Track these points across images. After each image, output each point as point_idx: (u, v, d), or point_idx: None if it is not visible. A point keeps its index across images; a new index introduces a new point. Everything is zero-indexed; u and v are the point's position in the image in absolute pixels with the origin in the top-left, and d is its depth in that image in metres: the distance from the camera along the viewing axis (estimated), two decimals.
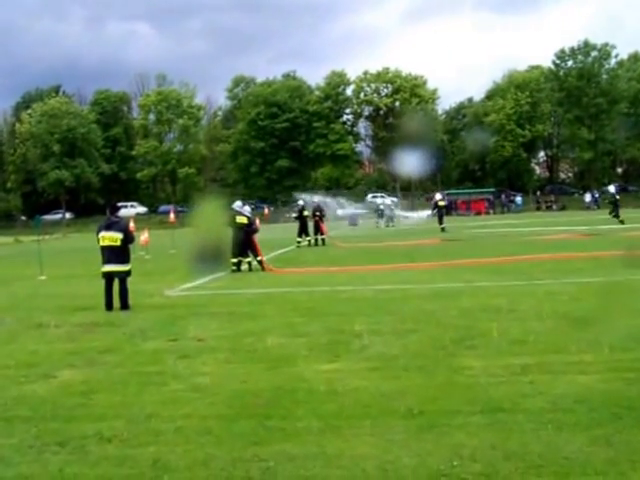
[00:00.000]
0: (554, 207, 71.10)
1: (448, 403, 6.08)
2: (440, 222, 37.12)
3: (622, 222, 34.27)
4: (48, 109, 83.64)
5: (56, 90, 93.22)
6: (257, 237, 20.27)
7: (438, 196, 39.70)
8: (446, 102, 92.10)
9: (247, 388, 6.90)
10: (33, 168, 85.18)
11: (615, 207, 36.59)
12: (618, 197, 37.78)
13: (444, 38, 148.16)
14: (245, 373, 7.51)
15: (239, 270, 19.36)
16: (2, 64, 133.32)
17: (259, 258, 19.75)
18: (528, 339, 8.47)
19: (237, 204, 20.46)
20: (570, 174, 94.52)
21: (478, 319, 9.98)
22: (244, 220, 19.71)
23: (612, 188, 38.95)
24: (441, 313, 10.70)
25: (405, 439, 5.29)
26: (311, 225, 30.21)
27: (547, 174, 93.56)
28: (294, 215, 31.00)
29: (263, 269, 19.42)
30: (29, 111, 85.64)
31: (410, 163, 54.00)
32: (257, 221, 20.90)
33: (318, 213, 30.35)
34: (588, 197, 69.18)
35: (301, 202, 31.25)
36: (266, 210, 60.75)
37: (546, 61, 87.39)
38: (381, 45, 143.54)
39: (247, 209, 20.84)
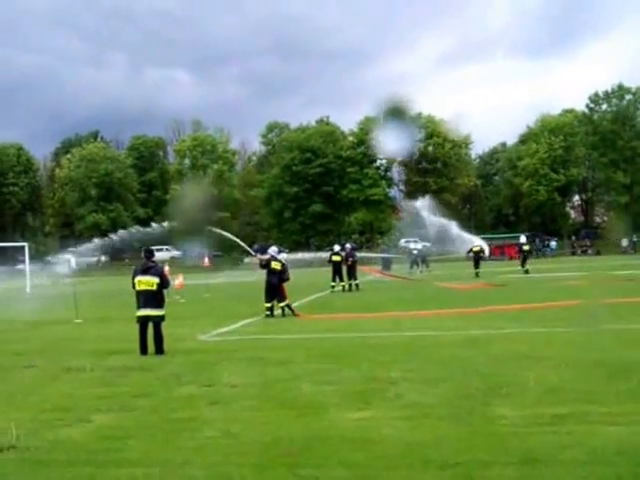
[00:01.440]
0: (589, 252, 70.32)
1: (484, 454, 5.99)
2: (476, 267, 36.88)
3: (527, 272, 35.67)
4: (86, 154, 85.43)
5: (94, 136, 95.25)
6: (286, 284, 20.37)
7: (477, 241, 39.46)
8: (479, 147, 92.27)
9: (279, 436, 6.87)
10: (71, 212, 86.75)
11: (524, 257, 37.59)
12: (527, 247, 38.63)
13: (477, 84, 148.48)
14: (277, 420, 7.49)
15: (272, 315, 19.42)
16: (44, 111, 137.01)
17: (286, 302, 19.80)
18: (564, 388, 8.36)
19: (273, 249, 20.69)
20: (605, 218, 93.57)
21: (513, 367, 9.87)
22: (278, 266, 19.87)
23: (522, 238, 39.48)
24: (475, 361, 10.60)
25: None
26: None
27: (582, 218, 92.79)
28: (328, 260, 31.07)
29: (294, 314, 19.46)
30: (68, 156, 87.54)
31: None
32: (288, 270, 20.92)
33: (351, 258, 30.35)
34: (624, 241, 68.35)
35: (337, 247, 31.27)
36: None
37: (580, 105, 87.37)
38: (414, 91, 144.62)
39: (283, 256, 21.06)
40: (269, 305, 19.55)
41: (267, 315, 19.34)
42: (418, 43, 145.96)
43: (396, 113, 68.89)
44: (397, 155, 78.78)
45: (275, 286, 19.67)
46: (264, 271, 20.04)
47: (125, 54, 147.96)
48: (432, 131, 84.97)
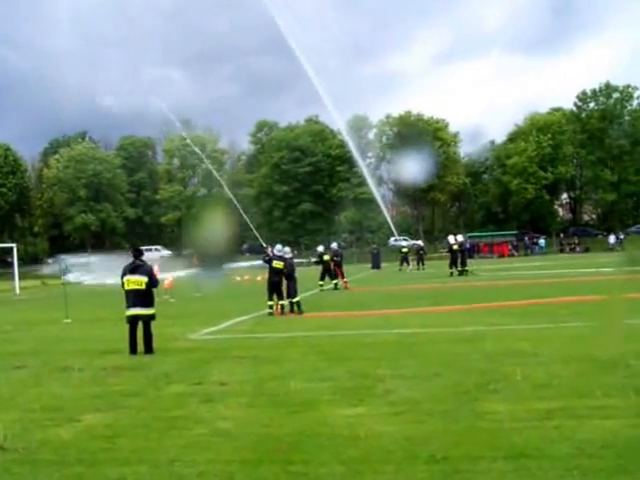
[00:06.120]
0: (577, 249, 70.62)
1: (472, 448, 6.02)
2: (451, 266, 35.96)
3: (465, 272, 34.92)
4: (75, 155, 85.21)
5: (82, 136, 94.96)
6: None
7: (451, 239, 38.21)
8: (468, 145, 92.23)
9: (270, 433, 6.89)
10: (60, 212, 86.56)
11: (462, 258, 36.22)
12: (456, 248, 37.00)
13: (467, 82, 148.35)
14: (268, 417, 7.50)
15: (273, 312, 19.53)
16: (32, 110, 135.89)
17: (297, 299, 19.85)
18: (553, 383, 8.40)
19: (277, 248, 20.74)
20: (594, 216, 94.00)
21: (502, 363, 9.91)
22: (280, 265, 19.85)
23: (459, 237, 38.04)
24: (465, 357, 10.64)
25: None
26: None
27: (570, 216, 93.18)
28: (314, 260, 31.08)
29: (292, 310, 19.66)
30: (56, 156, 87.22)
31: None
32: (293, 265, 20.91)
33: (336, 258, 30.35)
34: (612, 239, 68.64)
35: (321, 247, 31.28)
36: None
37: (567, 103, 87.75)
38: (404, 89, 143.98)
39: (287, 250, 21.03)
40: (271, 303, 19.64)
41: (270, 313, 19.44)
42: (412, 41, 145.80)
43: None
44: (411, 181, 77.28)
45: (277, 284, 19.72)
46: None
47: (120, 53, 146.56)
48: (421, 129, 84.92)
